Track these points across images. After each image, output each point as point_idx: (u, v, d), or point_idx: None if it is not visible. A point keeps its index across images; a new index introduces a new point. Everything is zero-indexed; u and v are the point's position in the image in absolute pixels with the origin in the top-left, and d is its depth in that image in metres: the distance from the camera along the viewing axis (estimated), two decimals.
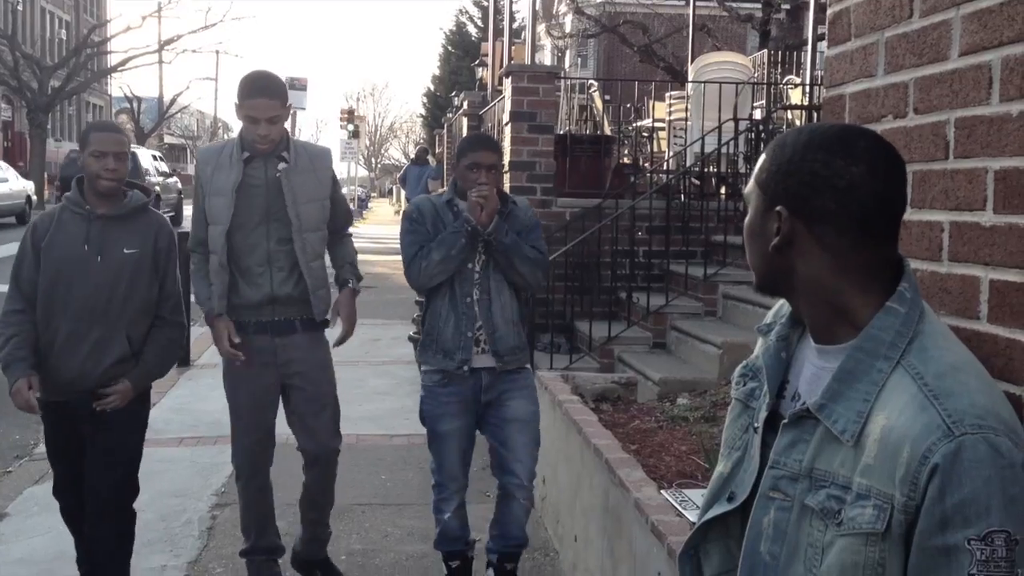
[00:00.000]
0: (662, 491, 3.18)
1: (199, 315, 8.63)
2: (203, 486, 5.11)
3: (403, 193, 21.29)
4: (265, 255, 3.50)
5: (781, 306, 1.43)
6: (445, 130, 16.46)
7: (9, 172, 22.38)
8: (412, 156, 20.14)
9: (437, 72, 43.87)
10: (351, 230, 4.00)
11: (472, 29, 40.49)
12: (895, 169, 1.25)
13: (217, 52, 40.92)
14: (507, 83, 7.88)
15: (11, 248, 5.41)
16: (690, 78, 10.02)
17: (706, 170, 8.05)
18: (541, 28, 25.93)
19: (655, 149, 10.58)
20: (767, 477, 1.30)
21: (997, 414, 1.14)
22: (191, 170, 23.51)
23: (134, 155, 23.89)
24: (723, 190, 8.05)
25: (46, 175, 29.07)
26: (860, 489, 1.17)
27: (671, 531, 2.76)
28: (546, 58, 29.41)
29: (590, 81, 12.37)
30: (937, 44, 1.60)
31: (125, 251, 3.26)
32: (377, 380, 7.61)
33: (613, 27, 19.76)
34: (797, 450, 1.26)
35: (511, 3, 12.90)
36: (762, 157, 1.31)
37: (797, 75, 11.07)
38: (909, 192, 1.39)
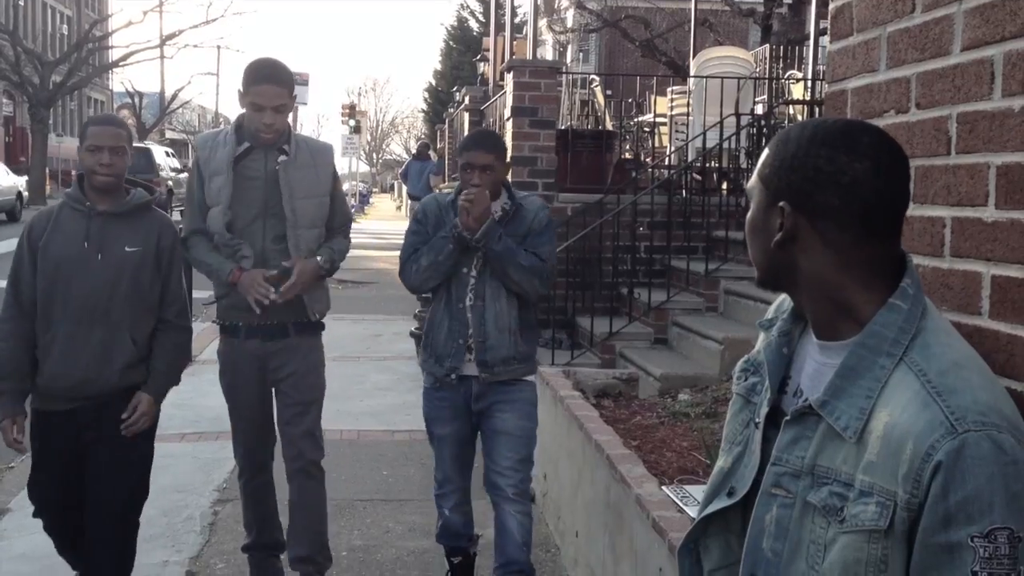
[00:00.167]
0: (663, 487, 3.18)
1: (200, 311, 8.65)
2: (205, 482, 5.11)
3: (404, 188, 21.27)
4: (260, 254, 3.39)
5: (782, 301, 1.43)
6: (446, 125, 16.46)
7: None
8: (414, 151, 20.14)
9: (439, 67, 43.86)
10: (355, 226, 3.94)
11: (474, 24, 40.45)
12: (899, 165, 1.25)
13: (218, 47, 40.98)
14: (509, 78, 7.87)
15: (5, 245, 5.41)
16: (692, 73, 10.00)
17: (707, 165, 8.04)
18: (543, 23, 25.89)
19: (656, 144, 10.56)
20: (769, 474, 1.29)
21: (1000, 411, 1.14)
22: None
23: (148, 151, 23.98)
24: (725, 185, 8.04)
25: (47, 170, 29.08)
26: (863, 486, 1.17)
27: (672, 527, 2.76)
28: (548, 53, 29.36)
29: (592, 76, 12.35)
30: (939, 39, 1.59)
31: (127, 249, 3.14)
32: (378, 376, 7.61)
33: (615, 22, 19.72)
34: (799, 447, 1.26)
35: None
36: (765, 152, 1.31)
37: (799, 70, 11.05)
38: (911, 188, 1.39)
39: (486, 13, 28.94)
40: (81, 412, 3.13)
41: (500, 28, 13.07)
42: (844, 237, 1.23)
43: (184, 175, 25.02)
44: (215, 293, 3.54)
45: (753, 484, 1.34)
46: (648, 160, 9.58)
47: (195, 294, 7.90)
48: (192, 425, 6.10)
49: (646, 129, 11.00)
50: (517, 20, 18.08)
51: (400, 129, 70.66)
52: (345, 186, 3.98)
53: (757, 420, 1.37)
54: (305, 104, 22.20)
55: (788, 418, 1.28)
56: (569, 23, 27.87)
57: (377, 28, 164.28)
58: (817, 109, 7.61)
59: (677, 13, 20.68)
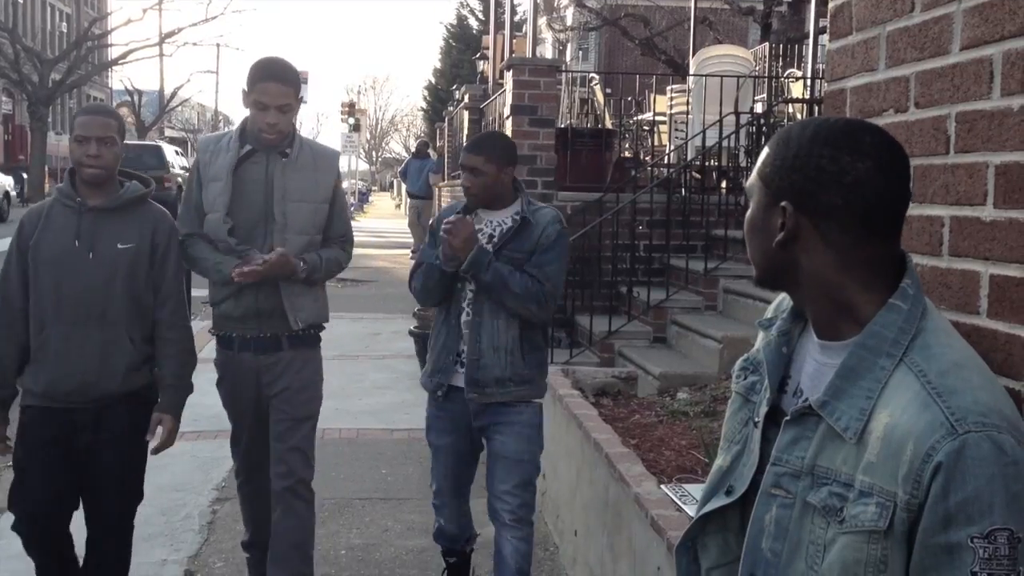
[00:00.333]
0: (662, 486, 3.18)
1: (199, 309, 8.64)
2: (203, 480, 5.11)
3: (404, 187, 21.26)
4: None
5: (782, 300, 1.43)
6: (446, 123, 16.44)
7: None
8: (413, 150, 20.12)
9: (438, 65, 43.83)
10: (354, 224, 3.79)
11: (473, 22, 40.43)
12: (900, 165, 1.25)
13: (218, 45, 41.08)
14: (508, 76, 7.87)
15: None
16: (691, 71, 10.00)
17: (707, 164, 8.04)
18: (542, 21, 25.89)
19: (656, 143, 10.56)
20: (769, 474, 1.29)
21: (1000, 411, 1.14)
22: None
23: (159, 148, 23.83)
24: (724, 184, 8.04)
25: (47, 168, 29.05)
26: (863, 487, 1.17)
27: (671, 526, 2.77)
28: (547, 51, 29.34)
29: (591, 74, 12.35)
30: (938, 38, 1.59)
31: (119, 246, 2.99)
32: (377, 374, 7.61)
33: (614, 20, 19.71)
34: (799, 447, 1.26)
35: None
36: (765, 151, 1.31)
37: (798, 68, 11.05)
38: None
39: (486, 11, 28.92)
40: (79, 414, 3.01)
41: (500, 26, 13.06)
42: (846, 237, 1.23)
43: None
44: (211, 299, 3.38)
45: (752, 483, 1.34)
46: (647, 159, 9.58)
47: (194, 292, 7.92)
48: (191, 424, 6.06)
49: (645, 128, 11.00)
50: (517, 18, 18.08)
51: (400, 127, 70.75)
52: (344, 184, 3.86)
53: (756, 419, 1.37)
54: (305, 102, 22.13)
55: (788, 418, 1.28)
56: (569, 21, 27.86)
57: (377, 26, 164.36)
58: (816, 108, 7.61)
59: (677, 11, 20.67)
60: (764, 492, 1.30)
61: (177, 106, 43.37)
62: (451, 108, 17.68)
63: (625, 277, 7.21)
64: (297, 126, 3.43)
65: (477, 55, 20.38)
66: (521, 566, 3.27)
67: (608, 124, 10.67)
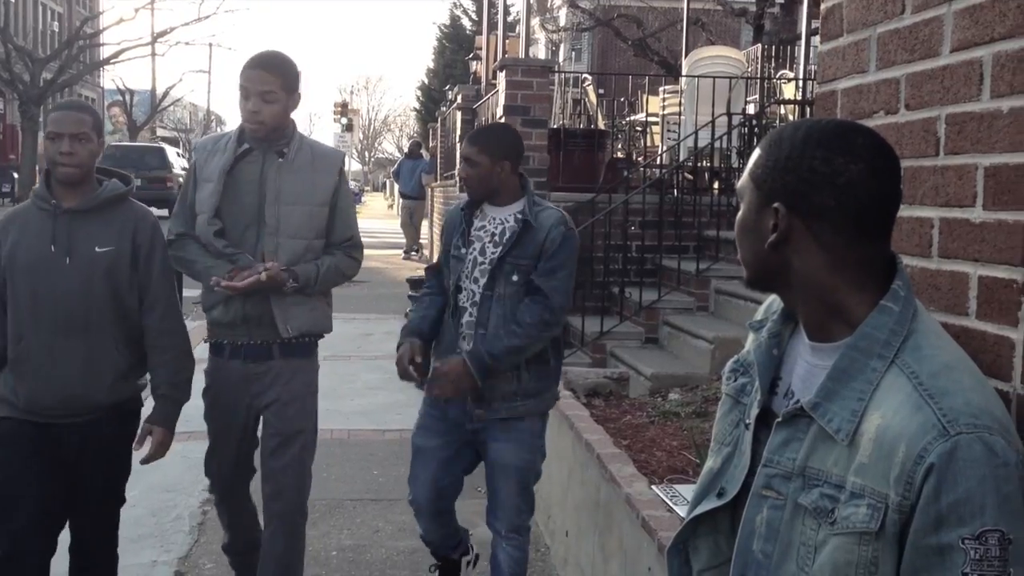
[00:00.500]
0: (653, 486, 3.18)
1: (191, 309, 8.60)
2: (194, 482, 5.08)
3: (396, 187, 21.24)
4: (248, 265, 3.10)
5: (772, 302, 1.43)
6: (439, 124, 16.42)
7: None
8: (406, 150, 20.10)
9: (431, 65, 43.77)
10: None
11: (466, 22, 40.39)
12: (892, 166, 1.25)
13: (210, 45, 41.10)
14: (501, 77, 7.86)
15: None
16: (684, 72, 10.01)
17: (699, 165, 8.05)
18: (535, 22, 25.89)
19: (648, 143, 10.57)
20: (760, 475, 1.29)
21: (991, 413, 1.14)
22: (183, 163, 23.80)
23: (162, 149, 23.54)
24: (716, 185, 8.05)
25: (38, 168, 28.93)
26: (854, 488, 1.17)
27: (661, 526, 2.77)
28: (540, 52, 29.34)
29: (584, 75, 12.36)
30: (929, 40, 1.60)
31: (97, 250, 2.81)
32: (369, 375, 7.60)
33: (607, 21, 19.74)
34: (791, 448, 1.26)
35: None
36: (756, 152, 1.31)
37: (791, 70, 11.08)
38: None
39: (479, 12, 28.90)
40: (64, 429, 2.84)
41: (493, 27, 13.06)
42: (838, 238, 1.23)
43: None
44: (203, 304, 3.24)
45: (743, 485, 1.34)
46: (640, 159, 9.59)
47: (185, 292, 7.90)
48: (182, 424, 5.99)
49: (638, 128, 11.01)
50: (510, 19, 18.07)
51: (392, 127, 70.68)
52: None
53: (747, 421, 1.37)
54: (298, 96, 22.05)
55: (779, 420, 1.28)
56: (562, 22, 27.88)
57: (370, 26, 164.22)
58: (808, 109, 7.62)
59: (669, 12, 20.71)
60: (755, 494, 1.30)
61: (169, 106, 43.20)
62: (444, 108, 17.67)
63: (617, 278, 7.21)
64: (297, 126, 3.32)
65: (470, 55, 20.37)
66: (516, 573, 3.22)
67: (601, 125, 10.67)
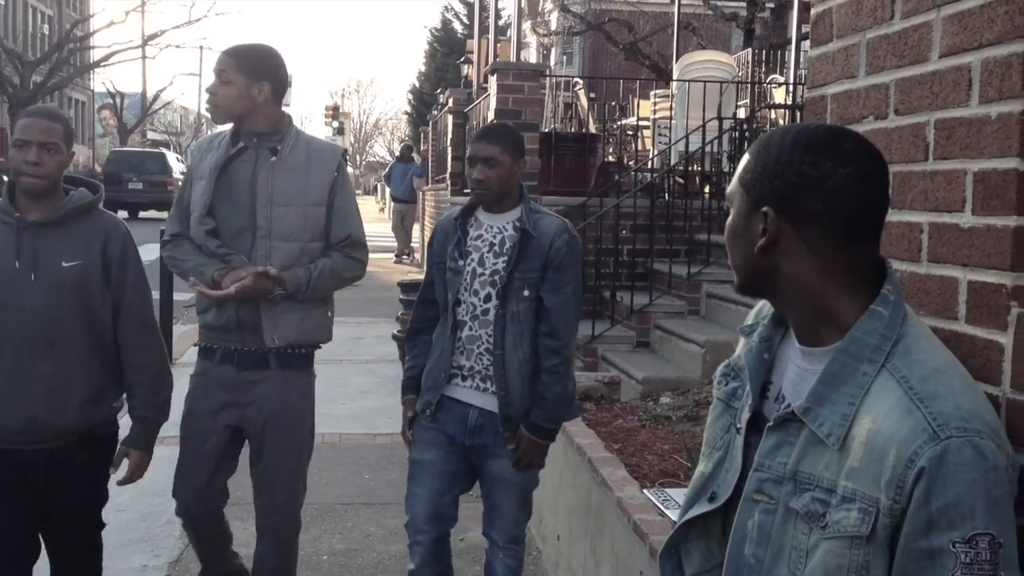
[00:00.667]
0: (644, 490, 3.18)
1: (181, 313, 8.58)
2: None
3: (387, 191, 21.22)
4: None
5: (763, 307, 1.43)
6: (430, 127, 16.43)
7: None
8: (397, 153, 20.09)
9: (423, 69, 43.77)
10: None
11: (458, 26, 40.42)
12: (880, 171, 1.26)
13: (201, 48, 40.85)
14: (492, 80, 7.87)
15: None
16: (675, 76, 10.03)
17: (690, 169, 8.06)
18: (527, 25, 25.90)
19: (640, 147, 10.59)
20: (751, 480, 1.30)
21: (981, 417, 1.15)
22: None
23: (162, 155, 23.23)
24: (707, 189, 8.07)
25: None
26: (845, 492, 1.17)
27: (653, 530, 2.77)
28: (531, 56, 29.38)
29: (575, 79, 12.37)
30: (918, 46, 1.60)
31: (64, 264, 2.64)
32: (360, 379, 7.59)
33: (598, 25, 19.79)
34: (782, 453, 1.26)
35: (496, 0, 12.88)
36: (745, 157, 1.31)
37: (781, 74, 11.10)
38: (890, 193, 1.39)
39: (470, 15, 28.94)
40: (31, 455, 2.68)
41: (484, 30, 13.07)
42: (827, 242, 1.23)
43: None
44: (197, 306, 3.13)
45: (735, 489, 1.35)
46: (631, 163, 9.60)
47: (177, 296, 7.87)
48: (172, 428, 5.97)
49: (629, 132, 11.02)
50: (501, 23, 18.10)
51: (384, 131, 70.69)
52: None
53: (739, 425, 1.37)
54: (288, 105, 22.13)
55: (771, 424, 1.29)
56: (553, 26, 27.91)
57: (361, 29, 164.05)
58: (799, 113, 7.65)
59: (660, 16, 20.75)
60: (747, 498, 1.30)
61: (160, 108, 43.16)
62: (435, 112, 17.66)
63: (608, 281, 7.21)
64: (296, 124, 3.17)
65: (461, 59, 20.38)
66: None
67: (592, 128, 10.68)
